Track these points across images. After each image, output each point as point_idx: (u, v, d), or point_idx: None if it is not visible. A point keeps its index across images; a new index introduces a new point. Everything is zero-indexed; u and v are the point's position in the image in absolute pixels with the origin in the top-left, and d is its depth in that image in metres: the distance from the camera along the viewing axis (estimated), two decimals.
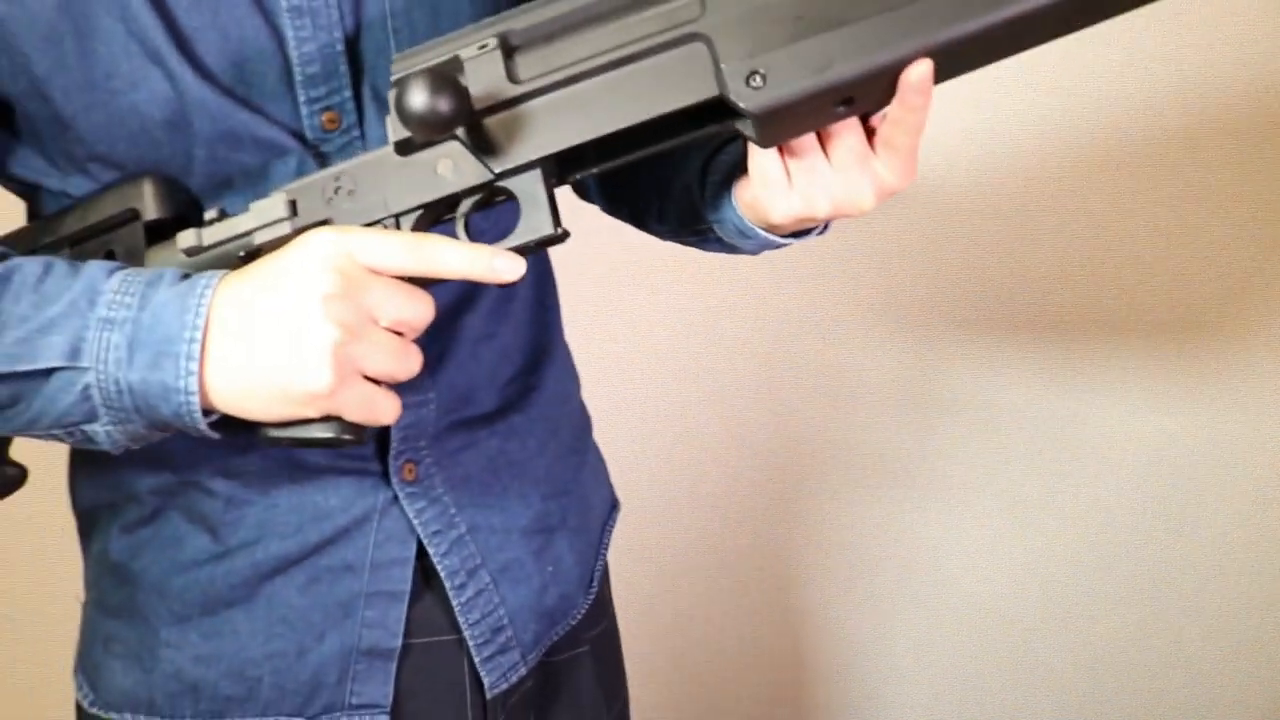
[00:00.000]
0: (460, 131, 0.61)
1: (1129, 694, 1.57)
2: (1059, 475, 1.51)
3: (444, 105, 0.57)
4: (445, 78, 0.57)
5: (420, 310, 0.62)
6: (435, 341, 0.74)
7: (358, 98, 0.68)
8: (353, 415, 0.61)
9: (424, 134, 0.58)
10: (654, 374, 1.55)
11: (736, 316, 1.52)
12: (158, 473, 0.69)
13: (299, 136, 0.68)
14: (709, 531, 1.60)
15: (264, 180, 0.68)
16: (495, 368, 0.80)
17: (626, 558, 1.60)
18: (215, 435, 0.63)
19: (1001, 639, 1.58)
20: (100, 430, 0.63)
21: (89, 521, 0.79)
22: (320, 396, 0.59)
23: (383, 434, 0.74)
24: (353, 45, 0.68)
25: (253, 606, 0.74)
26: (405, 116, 0.57)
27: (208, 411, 0.62)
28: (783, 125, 0.58)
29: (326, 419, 0.61)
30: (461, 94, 0.58)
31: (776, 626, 1.64)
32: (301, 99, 0.67)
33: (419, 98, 0.56)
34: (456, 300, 0.76)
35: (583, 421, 0.92)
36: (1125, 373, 1.46)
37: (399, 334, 0.62)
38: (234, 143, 0.66)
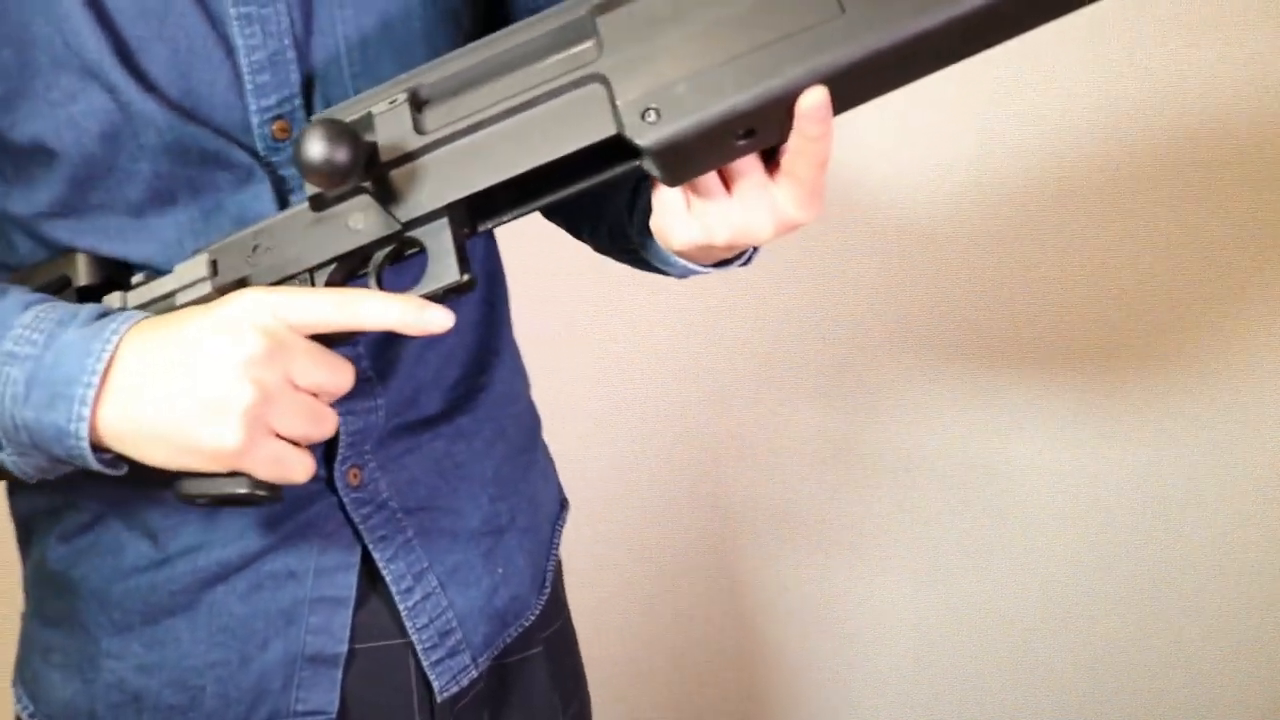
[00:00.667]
0: (369, 184, 0.62)
1: (1129, 694, 1.57)
2: (1059, 474, 1.51)
3: (341, 155, 0.57)
4: (341, 128, 0.58)
5: (340, 380, 0.62)
6: (383, 349, 0.74)
7: (309, 107, 0.68)
8: (263, 474, 0.61)
9: (323, 185, 0.59)
10: (654, 374, 1.55)
11: (736, 316, 1.52)
12: (99, 477, 0.67)
13: (248, 148, 0.67)
14: (709, 531, 1.60)
15: (211, 194, 0.67)
16: (441, 370, 0.79)
17: (627, 558, 1.61)
18: (117, 472, 0.63)
19: (1001, 639, 1.58)
20: (6, 459, 0.63)
21: (27, 529, 0.78)
22: (228, 455, 0.59)
23: (328, 439, 0.72)
24: (303, 53, 0.67)
25: (194, 614, 0.73)
26: (303, 167, 0.58)
27: (106, 450, 0.61)
28: (685, 161, 0.58)
29: (234, 475, 0.62)
30: (358, 144, 0.58)
31: (777, 627, 1.64)
32: (252, 108, 0.66)
33: (316, 148, 0.57)
34: None
35: (532, 422, 0.91)
36: (1125, 373, 1.46)
37: (315, 394, 0.62)
38: (181, 156, 0.66)
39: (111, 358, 0.60)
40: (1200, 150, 1.37)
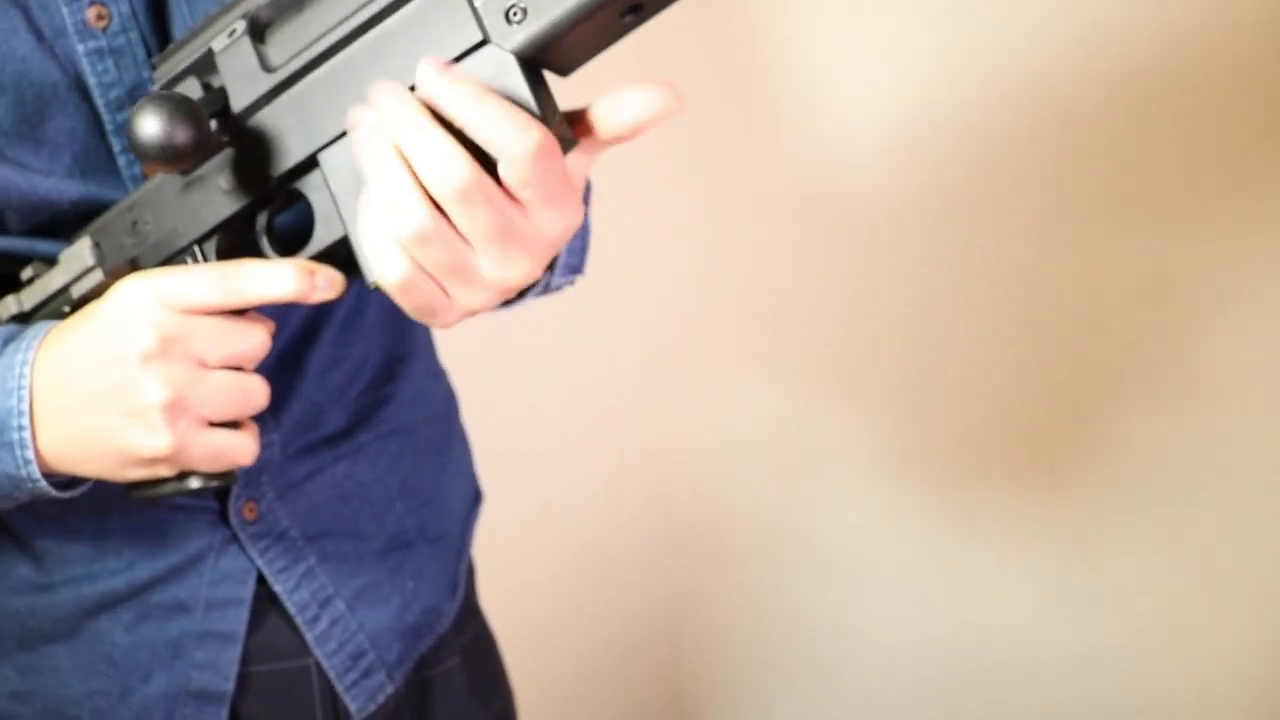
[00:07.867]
0: (228, 138, 0.56)
1: (1129, 694, 1.57)
2: (1057, 472, 1.50)
3: (181, 135, 0.51)
4: (178, 102, 0.52)
5: (251, 341, 0.58)
6: (276, 380, 0.70)
7: None
8: (206, 468, 0.59)
9: (166, 169, 0.53)
10: (655, 373, 1.55)
11: (732, 315, 1.52)
12: None
13: (121, 190, 0.64)
14: (708, 532, 1.61)
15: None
16: (345, 387, 0.76)
17: (628, 563, 1.61)
18: (84, 488, 0.62)
19: (999, 639, 1.58)
20: None
21: None
22: (165, 458, 0.57)
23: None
24: None
25: (75, 642, 0.70)
26: (141, 153, 0.52)
27: (58, 475, 0.60)
28: (565, 52, 0.51)
29: (182, 475, 0.59)
30: (198, 118, 0.52)
31: (783, 626, 1.64)
32: (116, 149, 0.63)
33: (150, 128, 0.51)
34: (298, 336, 0.72)
35: (446, 414, 0.86)
36: (1122, 374, 1.45)
37: (237, 368, 0.59)
38: (49, 211, 0.62)
39: (30, 390, 0.58)
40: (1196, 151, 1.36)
